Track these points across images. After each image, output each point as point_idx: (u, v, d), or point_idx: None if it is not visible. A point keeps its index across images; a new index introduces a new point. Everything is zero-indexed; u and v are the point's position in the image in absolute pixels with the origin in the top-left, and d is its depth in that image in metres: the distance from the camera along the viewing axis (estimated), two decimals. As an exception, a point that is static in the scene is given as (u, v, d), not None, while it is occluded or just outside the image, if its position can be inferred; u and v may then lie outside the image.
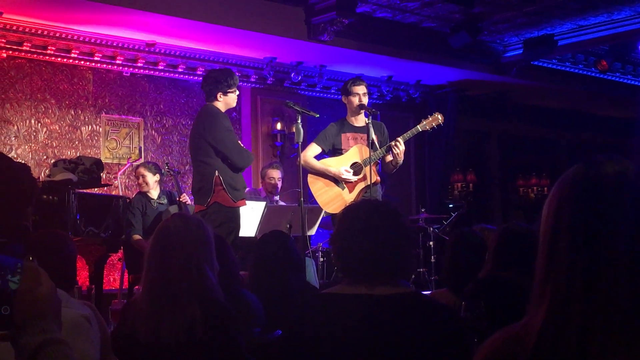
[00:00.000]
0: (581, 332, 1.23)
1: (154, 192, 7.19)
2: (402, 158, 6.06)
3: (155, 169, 7.30)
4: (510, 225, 3.55)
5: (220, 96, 5.57)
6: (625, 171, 1.28)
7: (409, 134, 6.16)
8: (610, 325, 1.22)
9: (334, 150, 6.20)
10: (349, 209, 2.41)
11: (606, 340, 1.21)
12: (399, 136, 6.08)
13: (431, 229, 8.85)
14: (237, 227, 5.54)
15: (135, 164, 8.13)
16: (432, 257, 8.68)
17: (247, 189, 6.09)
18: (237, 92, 5.71)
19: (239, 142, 5.74)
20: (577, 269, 1.25)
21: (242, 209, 5.66)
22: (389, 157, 6.08)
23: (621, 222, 1.24)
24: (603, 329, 1.22)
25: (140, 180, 7.16)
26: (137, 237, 6.90)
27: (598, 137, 14.04)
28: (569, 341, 1.24)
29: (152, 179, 7.16)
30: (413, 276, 8.45)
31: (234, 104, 5.78)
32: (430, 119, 6.27)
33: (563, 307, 1.26)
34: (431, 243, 8.74)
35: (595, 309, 1.23)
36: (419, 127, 6.25)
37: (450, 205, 10.68)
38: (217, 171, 5.45)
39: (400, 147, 5.98)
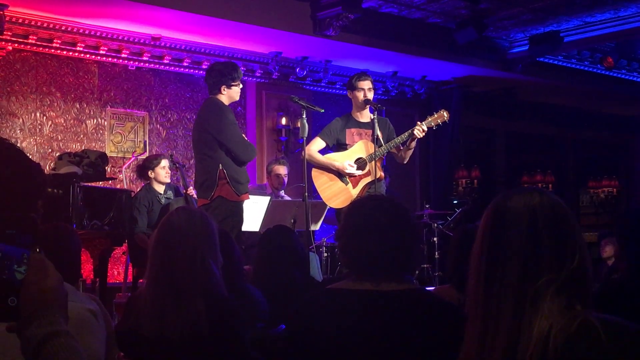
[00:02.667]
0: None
1: (161, 187, 7.20)
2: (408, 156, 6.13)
3: (164, 155, 7.45)
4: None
5: (224, 89, 5.55)
6: (526, 206, 1.59)
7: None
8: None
9: (339, 145, 6.20)
10: (355, 205, 2.41)
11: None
12: (403, 132, 6.07)
13: (435, 225, 8.83)
14: (241, 221, 5.53)
15: (140, 157, 8.14)
16: (436, 253, 8.66)
17: (250, 183, 6.08)
18: (241, 86, 5.69)
19: (243, 135, 5.73)
20: (479, 289, 1.59)
21: (245, 204, 5.65)
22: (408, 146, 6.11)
23: (510, 250, 1.56)
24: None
25: (165, 171, 7.18)
26: (140, 234, 6.89)
27: (603, 135, 14.01)
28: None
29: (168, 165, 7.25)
30: (417, 272, 8.44)
31: (238, 98, 5.76)
32: (435, 115, 6.25)
33: (472, 322, 1.59)
34: (435, 239, 8.73)
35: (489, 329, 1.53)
36: (424, 124, 6.24)
37: (455, 202, 10.67)
38: (221, 165, 5.43)
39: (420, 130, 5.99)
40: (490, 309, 1.54)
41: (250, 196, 5.77)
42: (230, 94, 5.60)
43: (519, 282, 1.52)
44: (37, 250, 1.39)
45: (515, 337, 1.47)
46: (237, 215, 5.49)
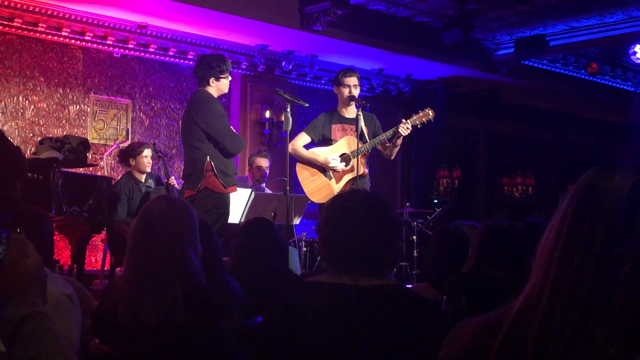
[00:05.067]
0: (543, 324, 1.21)
1: (142, 175, 7.17)
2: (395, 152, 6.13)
3: (147, 144, 7.41)
4: (493, 222, 3.61)
5: (212, 81, 5.55)
6: (629, 191, 1.20)
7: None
8: (564, 328, 1.19)
9: (324, 141, 6.20)
10: (338, 199, 2.40)
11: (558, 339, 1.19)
12: (387, 130, 6.09)
13: (415, 223, 8.87)
14: (227, 213, 5.53)
15: (122, 145, 8.10)
16: (415, 251, 8.69)
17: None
18: (230, 78, 5.69)
19: (232, 128, 5.73)
20: (544, 291, 1.23)
21: (228, 195, 5.64)
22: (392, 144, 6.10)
23: (588, 247, 1.20)
24: (559, 328, 1.19)
25: (146, 161, 7.13)
26: (119, 221, 6.85)
27: (585, 140, 14.11)
28: (533, 330, 1.22)
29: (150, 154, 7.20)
30: (395, 269, 8.47)
31: (226, 90, 5.76)
32: (421, 114, 6.25)
33: (534, 300, 1.24)
34: (414, 237, 8.76)
35: (557, 310, 1.20)
36: (409, 122, 6.25)
37: (435, 201, 10.72)
38: (208, 156, 5.44)
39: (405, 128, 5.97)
40: (552, 315, 1.20)
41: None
42: (219, 86, 5.60)
43: (588, 292, 1.17)
44: (18, 230, 1.38)
45: (567, 353, 1.17)
46: (223, 207, 5.49)
